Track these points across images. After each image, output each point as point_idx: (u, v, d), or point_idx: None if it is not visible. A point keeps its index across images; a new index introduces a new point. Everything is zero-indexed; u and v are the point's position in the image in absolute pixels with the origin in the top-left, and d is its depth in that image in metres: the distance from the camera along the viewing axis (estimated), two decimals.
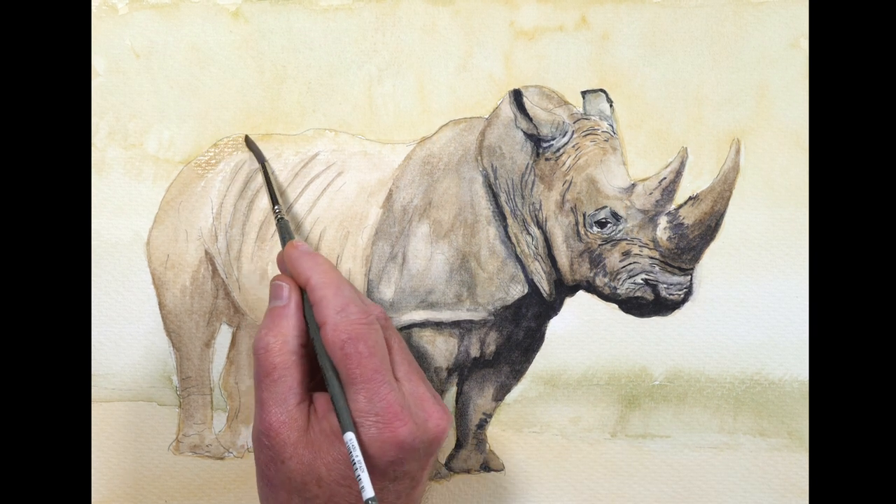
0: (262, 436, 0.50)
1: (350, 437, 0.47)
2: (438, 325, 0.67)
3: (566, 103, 0.67)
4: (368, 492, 0.45)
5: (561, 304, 0.68)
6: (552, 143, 0.66)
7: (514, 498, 0.68)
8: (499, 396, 0.69)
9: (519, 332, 0.68)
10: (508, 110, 0.66)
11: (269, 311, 0.54)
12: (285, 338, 0.52)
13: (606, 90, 0.67)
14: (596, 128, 0.66)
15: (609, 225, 0.65)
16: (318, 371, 0.53)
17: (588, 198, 0.65)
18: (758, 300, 0.66)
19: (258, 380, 0.52)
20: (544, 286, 0.66)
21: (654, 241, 0.65)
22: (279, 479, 0.49)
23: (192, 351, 0.68)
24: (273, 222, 0.68)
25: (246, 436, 0.68)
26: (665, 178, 0.65)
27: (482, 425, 0.69)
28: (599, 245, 0.65)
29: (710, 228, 0.65)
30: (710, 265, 0.66)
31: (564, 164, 0.66)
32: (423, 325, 0.67)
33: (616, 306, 0.66)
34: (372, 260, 0.67)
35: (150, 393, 0.68)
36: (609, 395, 0.68)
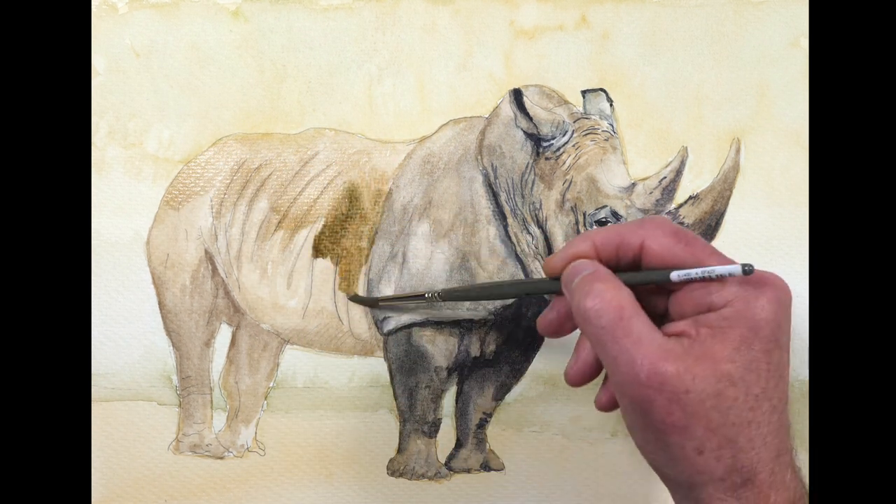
0: (650, 381, 0.44)
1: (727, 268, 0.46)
2: (438, 325, 0.67)
3: (566, 102, 0.67)
4: (736, 267, 0.45)
5: None
6: (552, 142, 0.66)
7: (514, 498, 0.68)
8: (499, 396, 0.69)
9: (519, 331, 0.68)
10: (508, 109, 0.66)
11: (579, 282, 0.49)
12: (615, 283, 0.47)
13: (606, 89, 0.67)
14: (596, 127, 0.66)
15: (609, 224, 0.65)
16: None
17: (588, 197, 0.65)
18: None
19: (607, 334, 0.46)
20: None
21: None
22: (690, 411, 0.44)
23: (191, 350, 0.68)
24: (273, 222, 0.68)
25: (245, 435, 0.68)
26: (665, 177, 0.65)
27: (482, 425, 0.69)
28: None
29: (710, 228, 0.65)
30: None
31: (564, 163, 0.66)
32: (424, 324, 0.67)
33: None
34: (372, 259, 0.67)
35: (150, 392, 0.68)
36: None
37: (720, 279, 0.47)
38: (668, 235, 0.48)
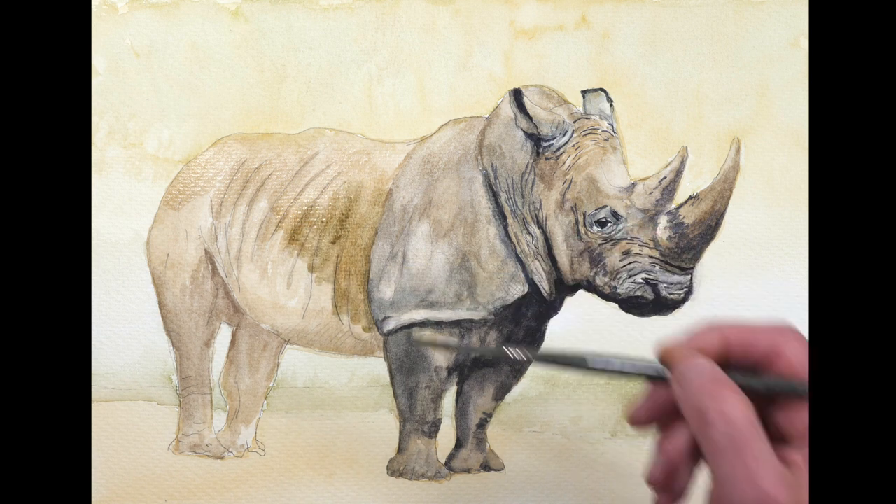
0: (767, 502, 0.44)
1: None
2: (438, 325, 0.67)
3: (566, 102, 0.67)
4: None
5: (561, 303, 0.68)
6: (552, 142, 0.66)
7: (514, 498, 0.68)
8: (499, 396, 0.69)
9: (519, 331, 0.68)
10: (508, 109, 0.66)
11: (705, 381, 0.46)
12: (744, 397, 0.45)
13: (606, 89, 0.67)
14: (596, 127, 0.66)
15: (609, 224, 0.65)
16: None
17: (588, 197, 0.65)
18: (758, 300, 0.66)
19: (735, 444, 0.45)
20: (544, 285, 0.66)
21: (655, 240, 0.65)
22: None
23: (191, 350, 0.68)
24: (273, 222, 0.68)
25: (245, 435, 0.68)
26: (665, 177, 0.65)
27: (482, 425, 0.69)
28: (600, 244, 0.65)
29: (710, 228, 0.65)
30: (711, 264, 0.66)
31: (564, 163, 0.66)
32: (424, 324, 0.67)
33: (616, 306, 0.66)
34: (372, 259, 0.67)
35: (150, 392, 0.68)
36: (609, 394, 0.67)
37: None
38: (804, 347, 0.47)
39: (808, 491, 0.44)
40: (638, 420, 0.51)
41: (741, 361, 0.47)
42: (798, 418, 0.46)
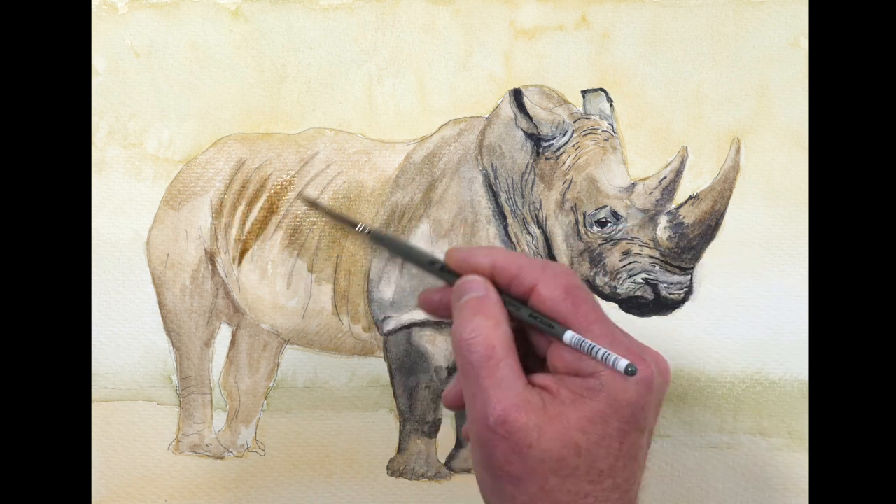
0: (497, 426, 0.44)
1: (570, 335, 0.45)
2: (439, 325, 0.67)
3: (566, 102, 0.67)
4: (622, 361, 0.43)
5: None
6: (552, 142, 0.66)
7: None
8: None
9: None
10: (508, 109, 0.66)
11: (465, 304, 0.48)
12: (496, 320, 0.47)
13: (606, 89, 0.67)
14: (596, 127, 0.66)
15: (609, 224, 0.65)
16: (526, 358, 0.49)
17: (588, 197, 0.65)
18: (758, 300, 0.66)
19: (473, 370, 0.46)
20: None
21: (655, 240, 0.65)
22: (528, 466, 0.45)
23: (191, 350, 0.68)
24: (273, 222, 0.68)
25: (245, 435, 0.68)
26: (665, 177, 0.65)
27: None
28: (599, 244, 0.65)
29: (710, 228, 0.65)
30: (710, 264, 0.66)
31: (564, 163, 0.66)
32: (424, 324, 0.67)
33: (616, 306, 0.66)
34: (372, 259, 0.67)
35: (150, 392, 0.68)
36: None
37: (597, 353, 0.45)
38: (559, 288, 0.47)
39: (560, 415, 0.44)
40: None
41: (506, 290, 0.48)
42: (559, 353, 0.47)
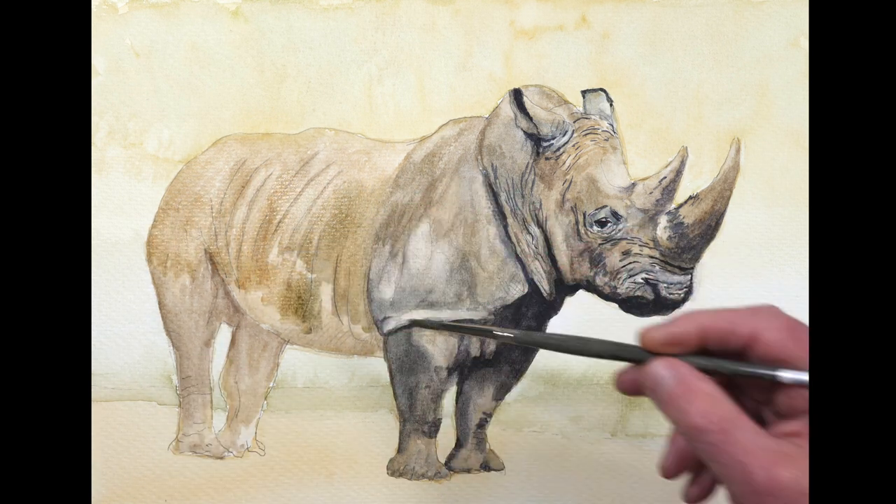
0: (769, 486, 0.43)
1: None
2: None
3: (566, 102, 0.67)
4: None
5: (561, 303, 0.68)
6: (552, 142, 0.66)
7: (514, 498, 0.68)
8: (499, 396, 0.69)
9: (520, 331, 0.68)
10: (508, 109, 0.66)
11: (670, 394, 0.46)
12: (710, 394, 0.45)
13: (606, 89, 0.67)
14: (596, 127, 0.66)
15: (609, 224, 0.65)
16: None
17: (588, 197, 0.65)
18: (758, 300, 0.66)
19: (716, 446, 0.44)
20: (544, 285, 0.66)
21: (655, 240, 0.65)
22: None
23: (191, 350, 0.68)
24: (274, 222, 0.68)
25: (245, 435, 0.68)
26: (665, 177, 0.65)
27: (482, 424, 0.69)
28: (599, 244, 0.65)
29: (710, 228, 0.65)
30: (710, 264, 0.66)
31: (564, 163, 0.66)
32: (424, 324, 0.67)
33: (616, 306, 0.66)
34: (372, 259, 0.67)
35: (150, 392, 0.68)
36: (609, 394, 0.67)
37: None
38: (783, 330, 0.46)
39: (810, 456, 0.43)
40: (623, 387, 0.50)
41: (721, 349, 0.47)
42: (793, 393, 0.46)
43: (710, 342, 0.47)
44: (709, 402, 0.45)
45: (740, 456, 0.43)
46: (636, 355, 0.48)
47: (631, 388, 0.50)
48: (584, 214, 0.65)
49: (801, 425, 0.45)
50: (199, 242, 0.68)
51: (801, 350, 0.45)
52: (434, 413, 0.68)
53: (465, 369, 0.69)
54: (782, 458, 0.43)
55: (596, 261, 0.65)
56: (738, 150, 0.66)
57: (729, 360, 0.46)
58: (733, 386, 0.47)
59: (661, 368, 0.46)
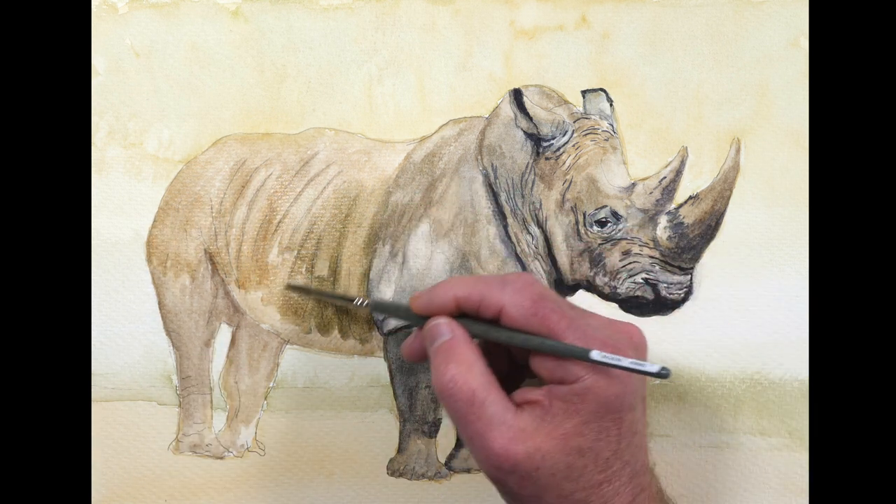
0: (502, 464, 0.46)
1: (597, 354, 0.45)
2: None
3: (566, 102, 0.67)
4: (652, 367, 0.44)
5: None
6: (552, 142, 0.66)
7: None
8: None
9: None
10: (508, 109, 0.66)
11: (436, 352, 0.50)
12: (468, 362, 0.48)
13: (606, 89, 0.67)
14: (596, 127, 0.66)
15: (609, 224, 0.65)
16: (509, 369, 0.52)
17: (588, 197, 0.65)
18: (758, 299, 0.66)
19: (461, 416, 0.47)
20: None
21: (655, 240, 0.65)
22: (542, 485, 0.46)
23: (191, 350, 0.68)
24: (273, 222, 0.68)
25: (245, 435, 0.68)
26: (665, 177, 0.65)
27: None
28: (599, 244, 0.65)
29: (710, 228, 0.65)
30: (710, 264, 0.66)
31: (564, 163, 0.66)
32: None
33: (616, 305, 0.66)
34: (372, 259, 0.67)
35: (150, 392, 0.68)
36: None
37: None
38: (525, 304, 0.48)
39: (556, 428, 0.46)
40: (409, 356, 0.54)
41: (480, 316, 0.49)
42: (541, 362, 0.48)
43: (466, 310, 0.50)
44: (464, 369, 0.47)
45: (482, 428, 0.46)
46: (417, 321, 0.52)
47: (416, 354, 0.53)
48: (584, 214, 0.65)
49: (542, 394, 0.47)
50: (198, 242, 0.68)
51: (541, 325, 0.47)
52: (434, 413, 0.68)
53: None
54: (519, 433, 0.46)
55: (596, 261, 0.65)
56: (738, 150, 0.66)
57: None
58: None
59: (442, 324, 0.50)
